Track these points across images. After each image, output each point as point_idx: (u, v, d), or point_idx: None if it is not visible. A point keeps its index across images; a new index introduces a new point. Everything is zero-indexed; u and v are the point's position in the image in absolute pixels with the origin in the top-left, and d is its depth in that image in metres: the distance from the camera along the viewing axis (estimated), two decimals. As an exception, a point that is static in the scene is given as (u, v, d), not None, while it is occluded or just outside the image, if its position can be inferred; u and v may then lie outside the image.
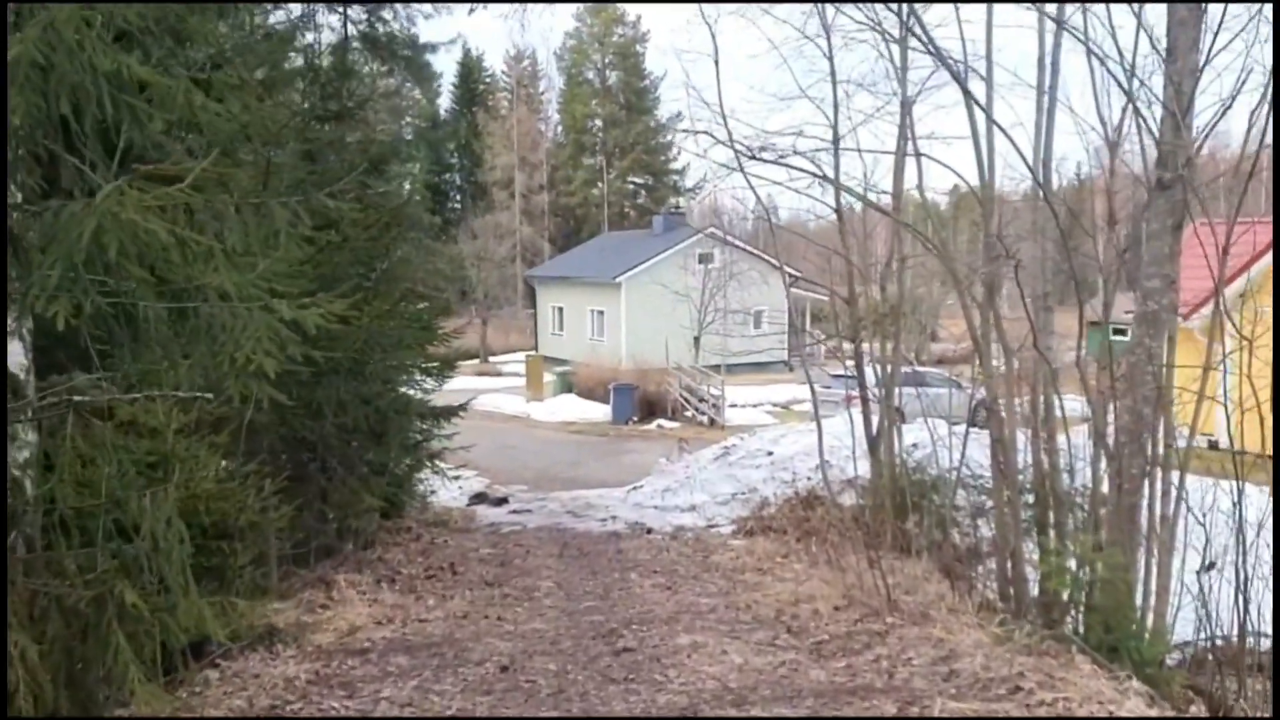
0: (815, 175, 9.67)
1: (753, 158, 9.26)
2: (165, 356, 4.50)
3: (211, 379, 4.65)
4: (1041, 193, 7.53)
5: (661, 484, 14.29)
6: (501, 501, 14.78)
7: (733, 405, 27.64)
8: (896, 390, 12.15)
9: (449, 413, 13.20)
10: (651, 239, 44.25)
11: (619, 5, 73.64)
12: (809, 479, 12.90)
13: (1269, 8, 6.64)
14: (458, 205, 73.34)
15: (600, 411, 28.21)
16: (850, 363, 22.86)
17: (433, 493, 13.98)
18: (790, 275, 39.72)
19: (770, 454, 13.99)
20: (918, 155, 8.77)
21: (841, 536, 9.97)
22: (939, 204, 12.35)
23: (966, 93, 7.48)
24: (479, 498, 15.17)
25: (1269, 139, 6.94)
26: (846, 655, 6.18)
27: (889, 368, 12.02)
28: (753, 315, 36.98)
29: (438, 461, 13.69)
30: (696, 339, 31.43)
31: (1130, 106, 7.64)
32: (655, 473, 14.83)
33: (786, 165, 9.43)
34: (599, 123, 75.40)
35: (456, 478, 14.30)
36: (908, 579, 8.34)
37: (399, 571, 9.50)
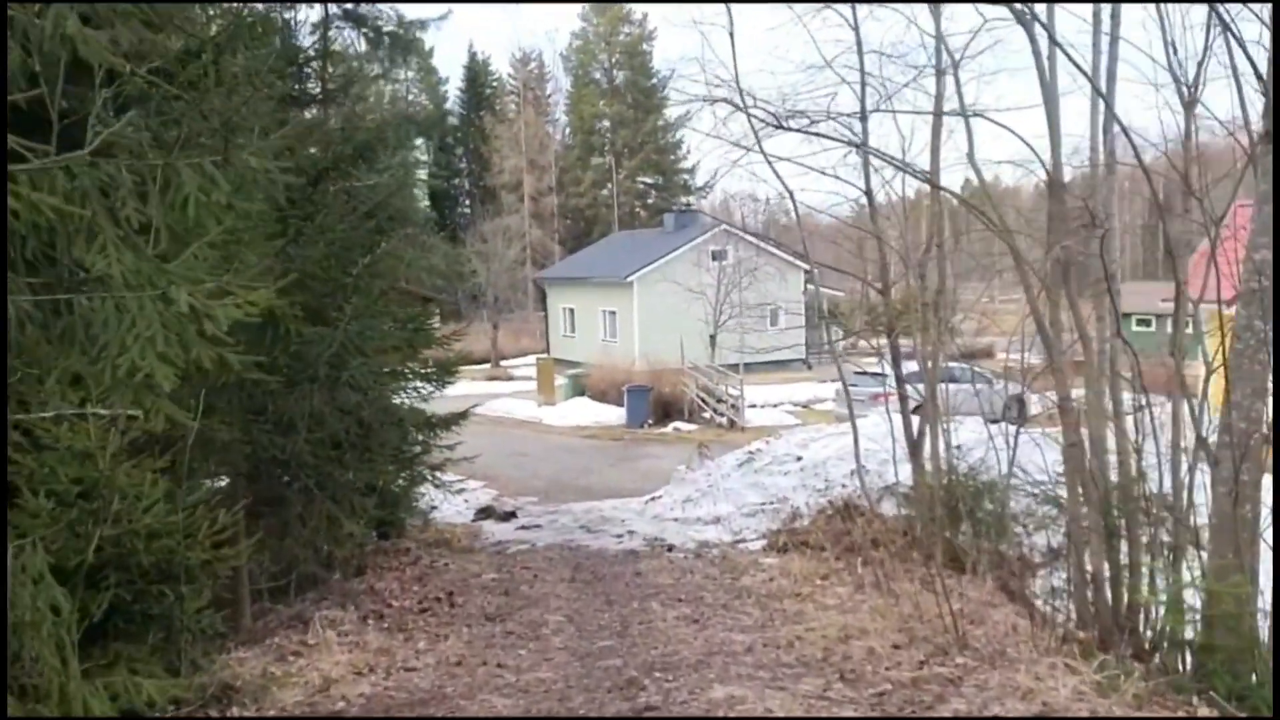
0: (845, 143, 8.55)
1: (779, 126, 8.15)
2: (32, 364, 3.42)
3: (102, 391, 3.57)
4: (1135, 157, 6.40)
5: (682, 493, 13.19)
6: (509, 516, 13.72)
7: (752, 406, 26.51)
8: (936, 386, 11.02)
9: (450, 421, 12.15)
10: (663, 237, 43.15)
11: (625, 4, 72.64)
12: (844, 486, 11.80)
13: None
14: (466, 210, 72.51)
15: (614, 415, 27.13)
16: (875, 359, 21.56)
17: (434, 508, 12.93)
18: (809, 269, 38.63)
19: (799, 459, 12.88)
20: (966, 116, 7.64)
21: (888, 554, 8.86)
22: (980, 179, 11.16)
23: (1032, 27, 6.36)
24: (485, 512, 14.11)
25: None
26: (916, 709, 5.08)
27: (930, 362, 10.89)
28: (769, 312, 35.87)
29: (439, 474, 12.67)
30: (712, 337, 30.31)
31: (1207, 57, 6.58)
32: (674, 481, 13.73)
33: (813, 134, 8.32)
34: (607, 123, 74.38)
35: (460, 490, 13.25)
36: (970, 604, 7.24)
37: (389, 604, 8.44)
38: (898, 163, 8.90)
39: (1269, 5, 5.77)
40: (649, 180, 74.77)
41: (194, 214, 3.58)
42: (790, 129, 8.16)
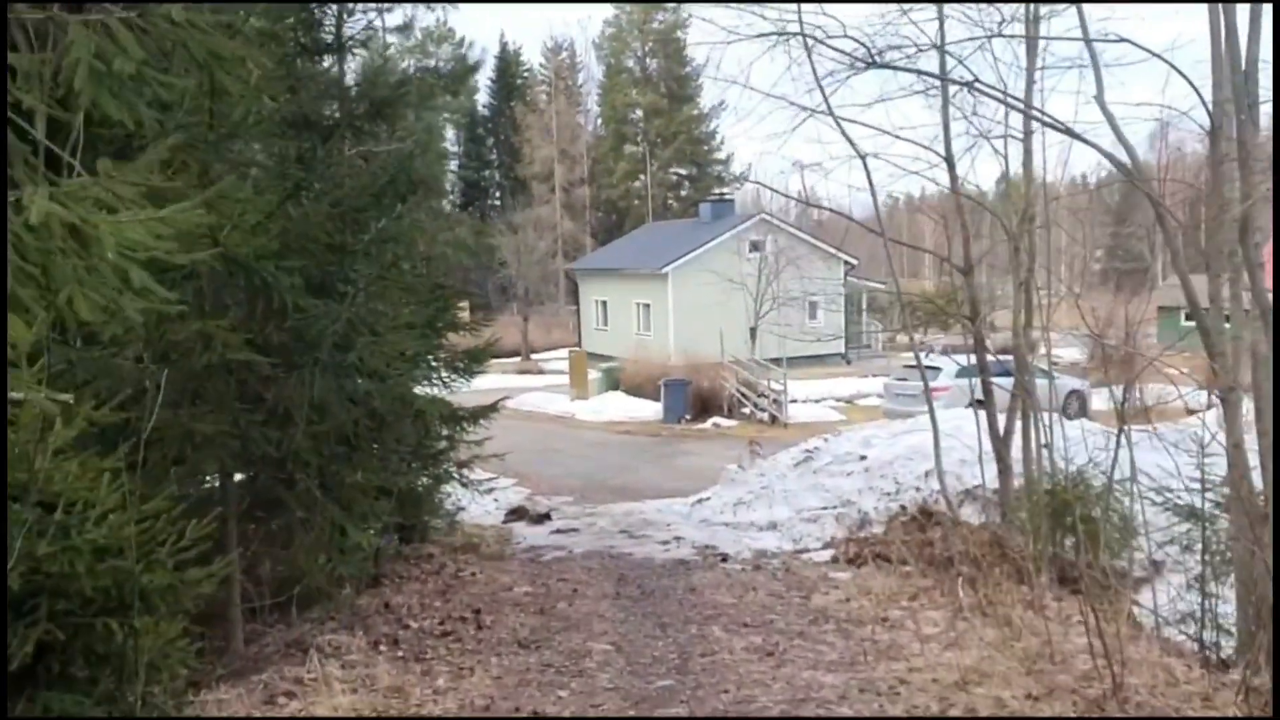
0: (959, 83, 7.25)
1: (871, 64, 6.86)
2: None
3: None
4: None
5: (732, 495, 11.96)
6: (543, 518, 12.54)
7: (793, 401, 25.19)
8: (1031, 378, 9.72)
9: (478, 415, 11.00)
10: (699, 227, 41.85)
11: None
12: (916, 489, 10.52)
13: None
14: (497, 201, 71.63)
15: (650, 410, 25.91)
16: (936, 350, 19.91)
17: (460, 509, 11.78)
18: (851, 262, 37.27)
19: (863, 458, 11.60)
20: (1088, 41, 6.30)
21: (986, 570, 7.58)
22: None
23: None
24: (516, 513, 12.94)
25: None
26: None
27: (1021, 352, 9.59)
28: (808, 305, 34.55)
29: (466, 472, 11.54)
30: (753, 330, 29.01)
31: None
32: (724, 481, 12.51)
33: (901, 68, 7.02)
34: (640, 113, 73.08)
35: (489, 490, 12.07)
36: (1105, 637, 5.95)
37: (406, 625, 7.28)
38: (997, 94, 7.47)
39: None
40: (683, 171, 73.41)
41: (89, 91, 2.40)
42: (880, 64, 6.87)
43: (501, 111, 76.42)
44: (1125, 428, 7.85)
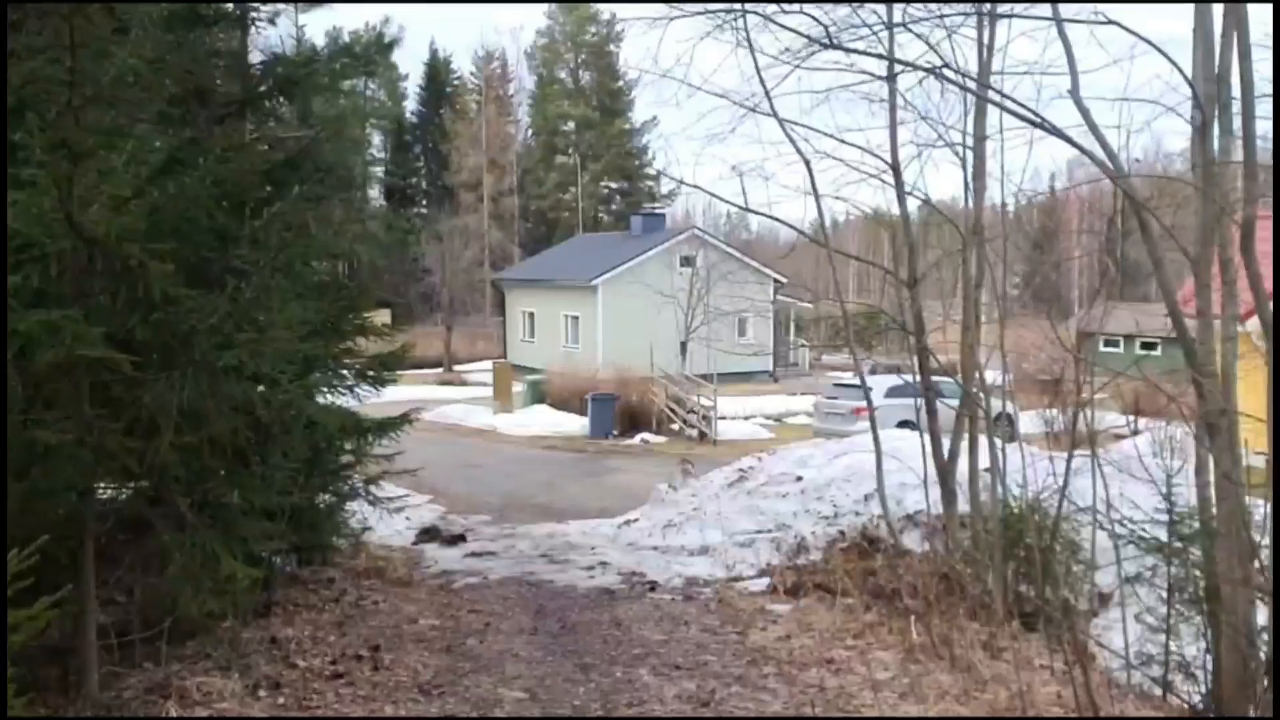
0: (919, 68, 6.65)
1: (824, 46, 6.23)
2: None
3: None
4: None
5: (662, 516, 11.26)
6: (457, 539, 11.68)
7: (721, 418, 24.62)
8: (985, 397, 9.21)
9: (388, 427, 10.15)
10: (629, 240, 41.26)
11: (592, 4, 70.85)
12: (856, 514, 9.93)
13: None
14: (424, 210, 70.23)
15: (576, 424, 25.14)
16: (866, 370, 19.53)
17: (367, 528, 10.88)
18: (778, 280, 37.00)
19: (799, 479, 10.99)
20: (1061, 29, 5.76)
21: (936, 605, 6.99)
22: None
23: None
24: (429, 534, 12.06)
25: None
26: None
27: (969, 370, 9.07)
28: (738, 322, 34.20)
29: (374, 489, 10.68)
30: (683, 345, 28.44)
31: None
32: (653, 501, 11.80)
33: (868, 54, 6.43)
34: (571, 124, 72.47)
35: (399, 509, 11.18)
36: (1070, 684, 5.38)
37: (293, 663, 6.42)
38: (957, 80, 6.88)
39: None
40: (614, 185, 72.93)
41: None
42: (831, 45, 6.24)
43: (430, 119, 75.18)
44: (1074, 453, 7.38)
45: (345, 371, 10.60)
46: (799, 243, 16.96)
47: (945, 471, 9.18)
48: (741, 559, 9.52)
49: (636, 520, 11.53)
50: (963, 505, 9.26)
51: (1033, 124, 5.55)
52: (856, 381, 25.14)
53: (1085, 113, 5.67)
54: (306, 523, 9.59)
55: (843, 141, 9.34)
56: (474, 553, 10.87)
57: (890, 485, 10.35)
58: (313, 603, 8.62)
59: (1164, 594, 6.94)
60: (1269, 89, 4.64)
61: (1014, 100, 5.67)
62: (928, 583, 7.53)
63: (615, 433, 24.25)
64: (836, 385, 25.10)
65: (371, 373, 10.59)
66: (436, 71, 77.49)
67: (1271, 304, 5.82)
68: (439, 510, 14.77)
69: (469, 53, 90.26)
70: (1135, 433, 16.12)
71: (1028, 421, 22.97)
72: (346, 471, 10.56)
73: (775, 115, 9.31)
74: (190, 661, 6.23)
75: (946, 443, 9.38)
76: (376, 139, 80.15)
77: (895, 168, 9.40)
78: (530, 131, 75.94)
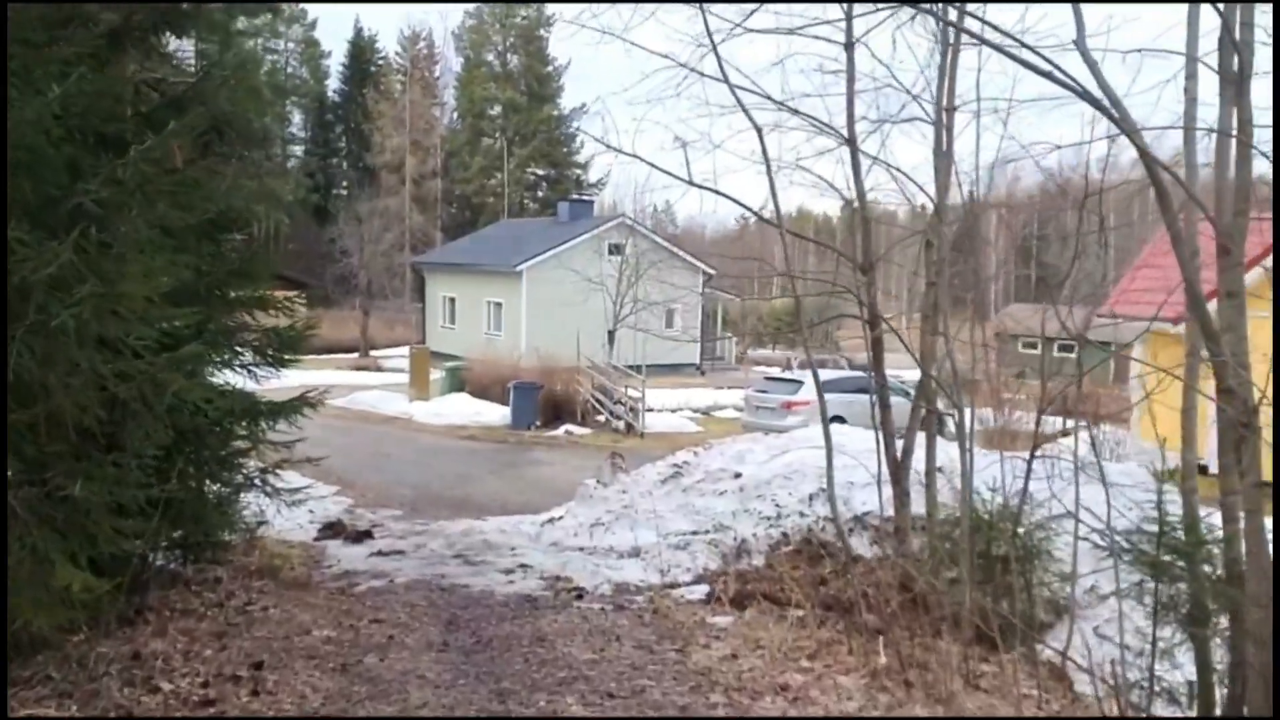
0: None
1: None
2: None
3: None
4: None
5: (589, 514, 10.37)
6: (364, 536, 10.65)
7: (648, 410, 23.79)
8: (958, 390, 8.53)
9: (287, 410, 9.13)
10: (557, 226, 40.26)
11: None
12: (801, 515, 9.18)
13: None
14: (344, 192, 68.18)
15: (497, 414, 24.10)
16: (793, 365, 18.67)
17: (262, 522, 9.79)
18: (707, 272, 36.37)
19: (738, 476, 10.21)
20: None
21: (894, 619, 6.25)
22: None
23: None
24: (332, 529, 11.00)
25: None
26: None
27: (927, 361, 8.36)
28: (665, 313, 33.50)
29: (271, 479, 9.64)
30: (611, 333, 27.54)
31: None
32: (580, 498, 10.91)
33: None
34: (498, 108, 71.04)
35: (299, 502, 10.09)
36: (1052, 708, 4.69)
37: (156, 687, 5.41)
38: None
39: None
40: (540, 172, 71.70)
41: None
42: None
43: (353, 98, 73.12)
44: (1033, 454, 6.72)
45: (241, 349, 9.60)
46: (746, 224, 16.21)
47: (899, 470, 8.48)
48: (677, 563, 8.70)
49: (561, 518, 10.63)
50: (915, 507, 8.59)
51: (1021, 62, 4.80)
52: (787, 375, 24.69)
53: (1093, 65, 4.94)
54: (190, 515, 8.56)
55: (795, 112, 8.62)
56: (381, 551, 9.87)
57: (837, 483, 9.65)
58: (193, 607, 7.58)
59: (1142, 609, 6.32)
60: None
61: (998, 30, 4.88)
62: (886, 594, 6.79)
63: (538, 423, 23.30)
64: (768, 379, 24.52)
65: (271, 351, 9.58)
66: (361, 50, 75.38)
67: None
68: (346, 503, 13.69)
69: (395, 32, 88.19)
70: (1066, 434, 15.79)
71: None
72: (239, 459, 9.52)
73: (725, 79, 8.53)
74: (25, 686, 5.19)
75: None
76: (297, 117, 77.81)
77: (851, 141, 8.67)
78: (456, 114, 74.26)
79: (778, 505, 9.34)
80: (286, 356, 9.59)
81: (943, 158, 8.34)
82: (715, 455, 10.99)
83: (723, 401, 28.94)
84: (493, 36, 71.98)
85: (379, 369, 37.10)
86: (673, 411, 26.30)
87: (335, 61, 76.81)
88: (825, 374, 24.78)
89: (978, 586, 6.60)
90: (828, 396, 20.82)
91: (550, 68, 70.23)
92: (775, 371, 29.50)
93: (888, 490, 8.71)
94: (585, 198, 47.23)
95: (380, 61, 74.64)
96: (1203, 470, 17.77)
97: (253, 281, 9.31)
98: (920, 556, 8.40)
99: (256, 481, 9.68)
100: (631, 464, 12.17)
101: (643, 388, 23.18)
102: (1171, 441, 6.16)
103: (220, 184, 7.30)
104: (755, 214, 8.88)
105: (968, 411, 6.97)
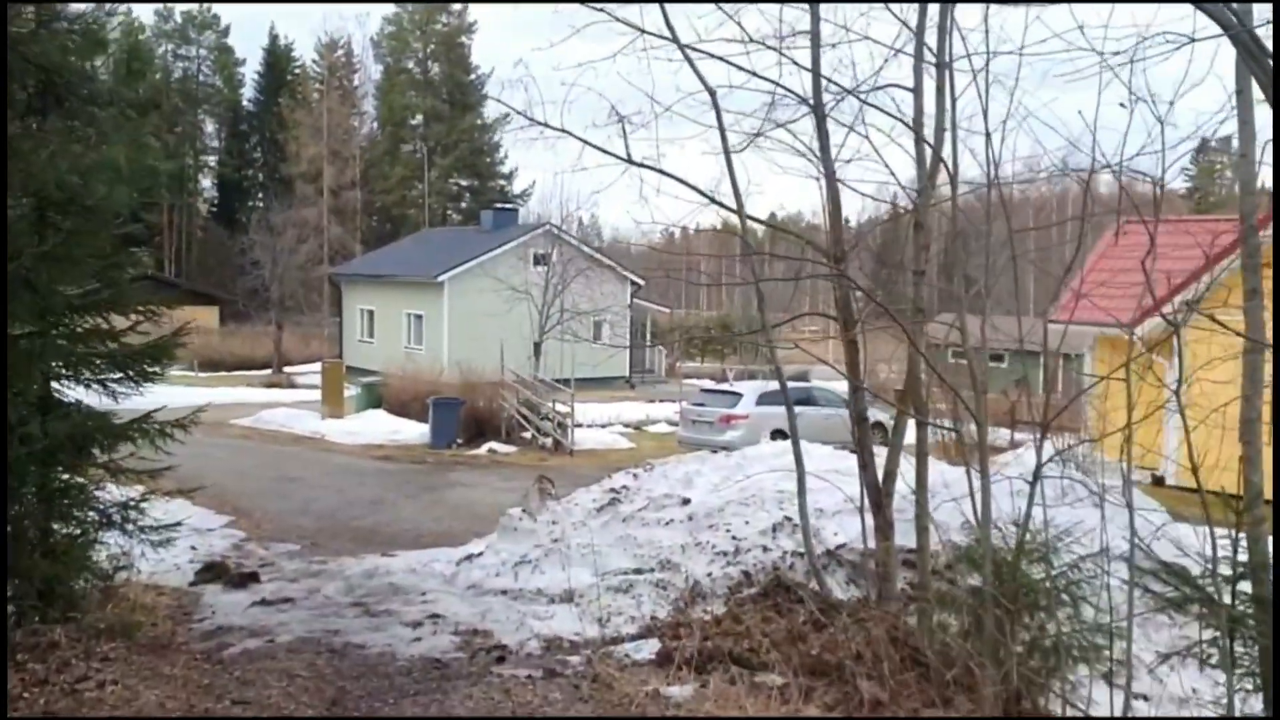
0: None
1: None
2: None
3: None
4: None
5: (514, 549, 8.90)
6: (248, 579, 9.04)
7: (577, 425, 22.33)
8: (862, 409, 7.28)
9: (137, 432, 7.61)
10: (480, 236, 38.64)
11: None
12: (764, 549, 7.84)
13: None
14: (260, 204, 65.43)
15: (415, 431, 22.46)
16: (729, 377, 17.19)
17: (120, 568, 8.16)
18: (636, 282, 35.10)
19: (686, 502, 8.84)
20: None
21: (896, 688, 4.94)
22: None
23: None
24: (212, 571, 9.37)
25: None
26: None
27: (915, 366, 7.12)
28: (593, 325, 32.16)
29: (133, 513, 8.09)
30: (537, 345, 26.08)
31: None
32: (502, 530, 9.41)
33: None
34: (420, 117, 69.12)
35: (171, 540, 8.47)
36: None
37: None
38: None
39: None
40: (464, 182, 69.90)
41: None
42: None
43: (268, 107, 70.64)
44: (1037, 475, 5.49)
45: (98, 360, 8.06)
46: (671, 238, 14.94)
47: (880, 495, 7.21)
48: (618, 609, 7.31)
49: (481, 554, 9.14)
50: (899, 538, 7.33)
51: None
52: (725, 388, 23.42)
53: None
54: (22, 564, 7.01)
55: (754, 74, 7.34)
56: (265, 600, 8.29)
57: (777, 511, 8.39)
58: (12, 685, 5.99)
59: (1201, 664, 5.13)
60: None
61: None
62: (881, 652, 5.49)
63: (459, 441, 21.71)
64: (704, 391, 23.28)
65: (132, 365, 8.04)
66: (276, 58, 72.92)
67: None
68: (237, 536, 12.01)
69: (312, 39, 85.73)
70: (1012, 446, 14.80)
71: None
72: (86, 493, 7.94)
73: (674, 37, 7.24)
74: None
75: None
76: (210, 126, 74.86)
77: (818, 108, 7.41)
78: (376, 123, 72.12)
79: (734, 538, 8.00)
80: (148, 371, 8.04)
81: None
82: (658, 478, 9.62)
83: (655, 415, 27.65)
84: (413, 43, 70.14)
85: (292, 385, 35.09)
86: (603, 427, 24.92)
87: (250, 69, 74.26)
88: (762, 385, 23.68)
89: (991, 640, 5.33)
90: (767, 409, 19.48)
91: (473, 76, 68.53)
92: (710, 384, 28.22)
93: (867, 518, 7.47)
94: (509, 206, 45.62)
95: (297, 69, 72.27)
96: (1159, 482, 16.67)
97: (108, 281, 7.78)
98: (905, 599, 7.16)
99: (115, 518, 8.11)
100: (562, 486, 10.74)
101: (571, 402, 21.74)
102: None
103: (41, 151, 5.78)
104: (708, 197, 7.56)
105: (977, 427, 5.70)
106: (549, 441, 21.75)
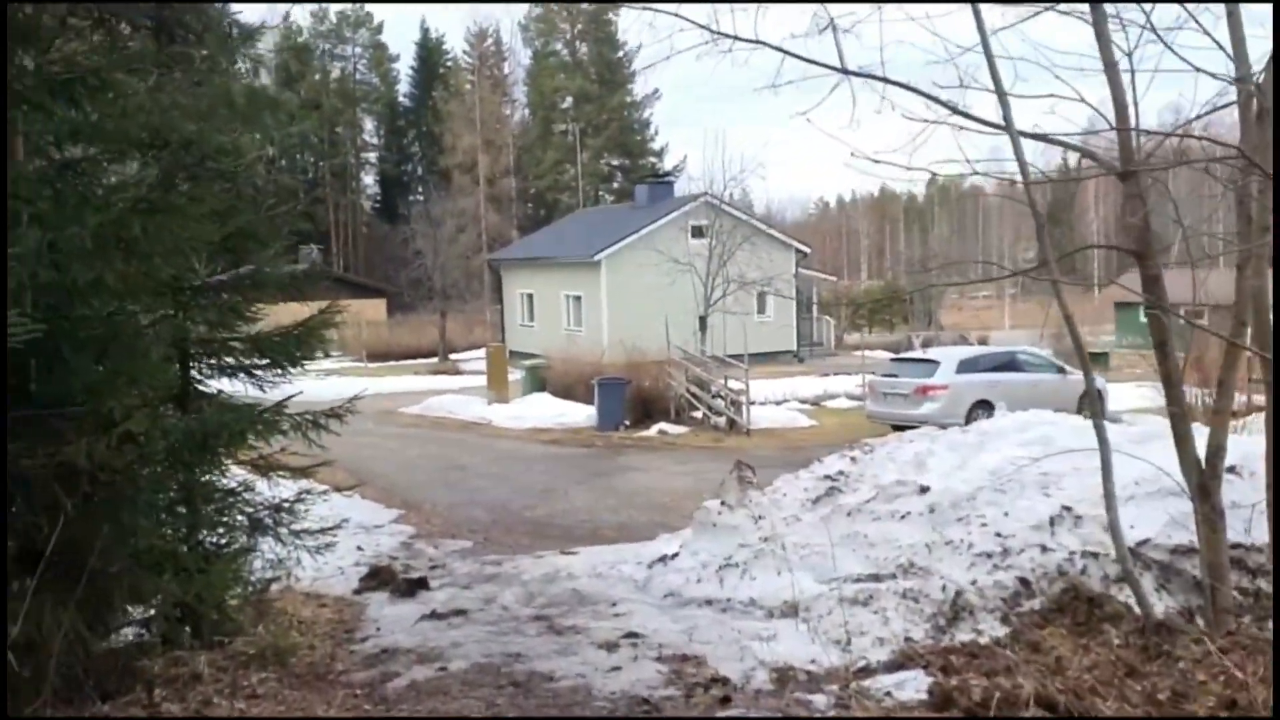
0: None
1: None
2: None
3: None
4: None
5: (714, 549, 7.54)
6: (417, 586, 7.99)
7: (751, 403, 20.81)
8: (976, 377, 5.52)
9: (292, 424, 6.62)
10: (635, 212, 37.49)
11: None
12: (1042, 549, 6.20)
13: None
14: (420, 197, 66.42)
15: (582, 414, 21.44)
16: (916, 345, 14.62)
17: (274, 578, 7.23)
18: (801, 250, 33.27)
19: (924, 489, 7.26)
20: None
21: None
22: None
23: None
24: (378, 577, 8.38)
25: None
26: None
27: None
28: (757, 297, 30.59)
29: (287, 516, 7.17)
30: (702, 319, 24.70)
31: None
32: (698, 525, 8.07)
33: None
34: (569, 99, 68.66)
35: (329, 546, 7.47)
36: None
37: None
38: None
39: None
40: (615, 162, 69.14)
41: None
42: None
43: (423, 101, 71.74)
44: None
45: (233, 344, 7.17)
46: (826, 207, 13.16)
47: (1206, 475, 5.49)
48: (859, 627, 5.84)
49: (676, 555, 7.79)
50: (1233, 534, 5.60)
51: None
52: (919, 356, 21.47)
53: None
54: (171, 578, 6.11)
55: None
56: (437, 612, 7.19)
57: (1071, 492, 6.71)
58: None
59: None
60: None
61: None
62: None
63: (627, 423, 20.56)
64: (895, 360, 21.40)
65: (274, 349, 7.07)
66: (429, 51, 74.07)
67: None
68: (407, 533, 11.11)
69: (462, 30, 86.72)
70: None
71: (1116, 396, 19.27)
72: (235, 497, 7.02)
73: None
74: None
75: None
76: (369, 124, 76.61)
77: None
78: (526, 109, 72.21)
79: (998, 534, 6.38)
80: (291, 356, 7.04)
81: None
82: (883, 461, 8.04)
83: (833, 389, 25.84)
84: (560, 25, 69.68)
85: (458, 372, 34.96)
86: (778, 404, 23.36)
87: (404, 65, 75.65)
88: (962, 351, 21.59)
89: None
90: (970, 377, 17.39)
91: (620, 53, 67.58)
92: (902, 353, 26.09)
93: (1174, 506, 5.76)
94: (664, 179, 44.32)
95: (449, 62, 73.19)
96: None
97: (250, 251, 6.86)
98: (1236, 612, 5.44)
99: (267, 521, 7.20)
100: (769, 473, 9.29)
101: (746, 378, 20.27)
102: None
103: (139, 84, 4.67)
104: (951, 107, 5.92)
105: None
106: (722, 421, 20.35)
